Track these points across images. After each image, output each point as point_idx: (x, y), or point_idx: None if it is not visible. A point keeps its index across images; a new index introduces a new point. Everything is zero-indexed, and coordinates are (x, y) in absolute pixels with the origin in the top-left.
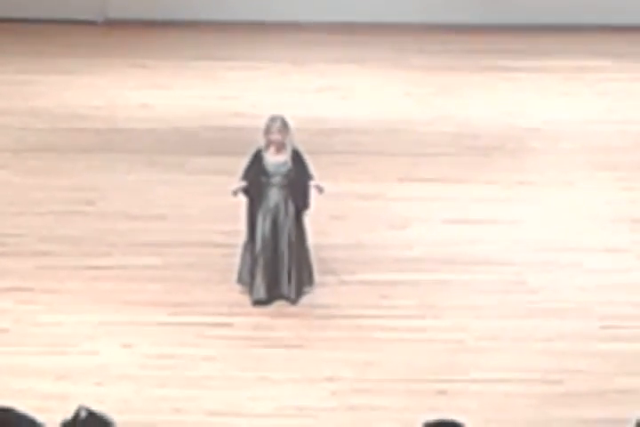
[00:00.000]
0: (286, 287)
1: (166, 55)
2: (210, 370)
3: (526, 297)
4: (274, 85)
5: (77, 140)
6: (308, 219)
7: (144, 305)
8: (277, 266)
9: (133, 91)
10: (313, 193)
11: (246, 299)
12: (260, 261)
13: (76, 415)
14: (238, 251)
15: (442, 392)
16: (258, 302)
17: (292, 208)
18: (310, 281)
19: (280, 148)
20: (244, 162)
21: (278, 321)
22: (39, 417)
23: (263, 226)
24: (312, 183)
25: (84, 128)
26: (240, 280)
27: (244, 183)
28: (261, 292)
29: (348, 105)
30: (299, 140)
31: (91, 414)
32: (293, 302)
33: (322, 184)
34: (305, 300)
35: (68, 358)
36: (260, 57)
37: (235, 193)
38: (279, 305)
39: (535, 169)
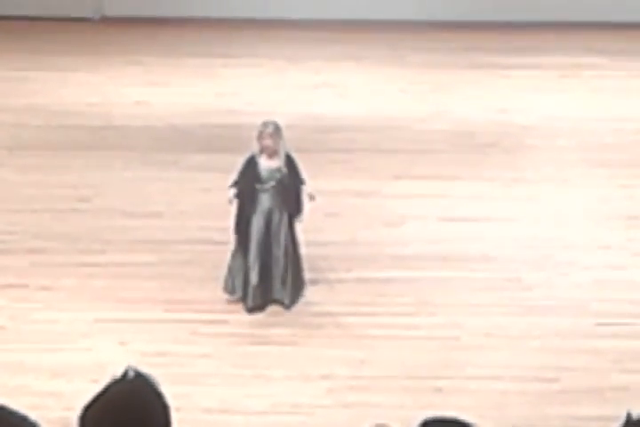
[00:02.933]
0: (280, 292)
1: (162, 52)
2: (205, 367)
3: (522, 294)
4: (270, 83)
5: (73, 138)
6: (304, 216)
7: (139, 302)
8: (272, 271)
9: (129, 88)
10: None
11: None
12: (255, 268)
13: (124, 375)
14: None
15: (437, 390)
16: (253, 310)
17: (285, 214)
18: (302, 286)
19: (272, 153)
20: (239, 159)
21: (274, 318)
22: (34, 415)
23: (257, 231)
24: (304, 189)
25: (79, 125)
26: (226, 289)
27: (234, 191)
28: (257, 299)
29: (344, 102)
30: (295, 138)
31: (138, 375)
32: (288, 307)
33: (314, 190)
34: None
35: (63, 355)
36: (257, 54)
37: (230, 201)
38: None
39: (531, 166)
